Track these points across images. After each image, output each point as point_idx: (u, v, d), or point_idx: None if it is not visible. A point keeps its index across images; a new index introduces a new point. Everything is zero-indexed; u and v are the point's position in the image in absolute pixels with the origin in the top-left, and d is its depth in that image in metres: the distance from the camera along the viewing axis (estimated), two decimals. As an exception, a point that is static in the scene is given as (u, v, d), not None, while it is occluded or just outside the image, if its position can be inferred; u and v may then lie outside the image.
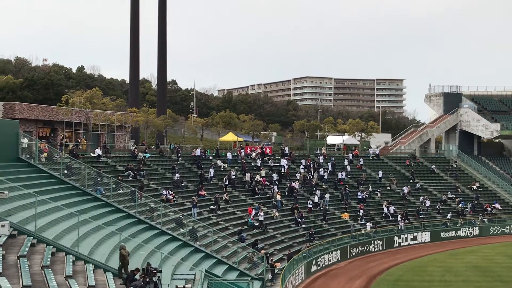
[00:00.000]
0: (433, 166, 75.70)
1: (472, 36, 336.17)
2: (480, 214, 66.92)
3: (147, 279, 22.62)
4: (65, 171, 37.63)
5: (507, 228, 66.01)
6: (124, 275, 24.28)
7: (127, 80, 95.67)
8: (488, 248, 56.56)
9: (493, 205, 69.80)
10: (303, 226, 51.45)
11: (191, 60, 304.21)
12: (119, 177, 41.76)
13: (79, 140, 51.74)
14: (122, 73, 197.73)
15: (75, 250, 25.08)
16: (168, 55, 79.06)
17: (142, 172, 46.39)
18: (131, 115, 61.72)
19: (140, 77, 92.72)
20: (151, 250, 30.41)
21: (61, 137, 49.93)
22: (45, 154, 38.82)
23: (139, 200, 38.46)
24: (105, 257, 26.05)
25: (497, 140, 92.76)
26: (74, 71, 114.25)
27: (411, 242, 57.82)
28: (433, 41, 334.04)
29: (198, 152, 56.24)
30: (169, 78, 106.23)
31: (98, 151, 46.37)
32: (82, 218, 28.13)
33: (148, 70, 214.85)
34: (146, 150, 52.02)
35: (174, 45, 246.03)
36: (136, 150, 50.65)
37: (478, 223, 65.22)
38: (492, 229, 65.18)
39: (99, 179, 38.49)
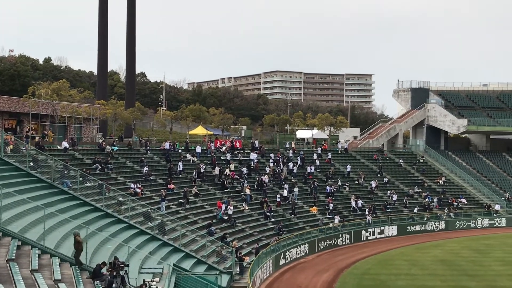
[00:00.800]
0: (401, 161, 76.45)
1: (439, 32, 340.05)
2: (446, 209, 67.79)
3: (114, 273, 22.43)
4: (31, 164, 37.10)
5: (472, 222, 67.02)
6: (79, 261, 24.12)
7: (95, 72, 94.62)
8: (454, 242, 57.33)
9: (459, 200, 70.76)
10: (272, 219, 51.55)
11: (161, 52, 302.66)
12: (85, 170, 41.29)
13: (46, 133, 51.10)
14: (90, 65, 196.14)
15: (41, 243, 24.77)
16: (137, 47, 78.56)
17: (109, 165, 45.98)
18: (99, 108, 61.14)
19: (109, 69, 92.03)
20: (119, 244, 30.15)
21: (27, 129, 49.23)
22: (11, 146, 38.20)
23: (106, 194, 38.11)
24: (71, 251, 25.71)
25: (463, 136, 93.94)
26: (41, 62, 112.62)
27: (378, 236, 58.31)
28: (402, 36, 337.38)
29: (167, 145, 55.96)
30: (138, 71, 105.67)
31: (65, 144, 45.83)
32: (49, 211, 27.81)
33: (117, 62, 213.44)
34: (114, 143, 51.56)
35: (143, 37, 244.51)
36: (103, 143, 50.18)
37: (444, 217, 66.08)
38: (458, 223, 66.09)
39: (66, 172, 38.03)
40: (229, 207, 47.68)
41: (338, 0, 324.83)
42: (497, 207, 70.92)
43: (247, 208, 51.17)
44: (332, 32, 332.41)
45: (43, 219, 26.19)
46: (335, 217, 56.72)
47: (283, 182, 59.17)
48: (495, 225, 68.10)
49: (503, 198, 74.07)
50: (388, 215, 61.79)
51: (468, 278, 40.64)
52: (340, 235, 53.92)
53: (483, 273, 42.60)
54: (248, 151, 63.00)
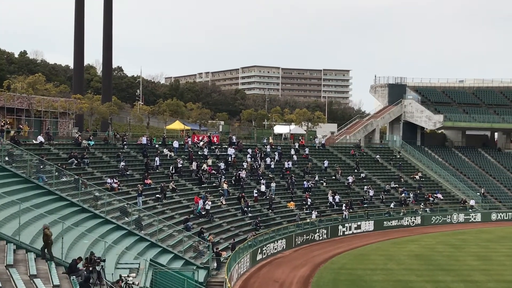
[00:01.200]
0: (377, 156, 76.90)
1: (416, 28, 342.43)
2: (422, 204, 68.40)
3: (91, 268, 22.29)
4: (6, 158, 36.69)
5: (448, 218, 67.69)
6: (47, 255, 23.91)
7: (71, 65, 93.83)
8: (429, 237, 57.84)
9: (435, 195, 71.40)
10: (249, 215, 51.59)
11: (138, 46, 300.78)
12: (61, 164, 40.92)
13: (21, 127, 50.49)
14: (66, 59, 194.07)
15: (16, 238, 24.54)
16: (114, 40, 77.94)
17: (86, 160, 45.63)
18: (75, 102, 60.61)
19: (85, 63, 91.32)
20: (95, 239, 29.97)
21: (2, 123, 48.61)
22: (-15, 140, 37.75)
23: (82, 188, 37.82)
24: (47, 246, 25.52)
25: (439, 131, 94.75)
26: (16, 55, 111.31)
27: (355, 231, 58.61)
28: (379, 32, 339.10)
29: (144, 140, 55.67)
30: (114, 65, 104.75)
31: (41, 138, 45.39)
32: (24, 206, 27.53)
33: (93, 56, 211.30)
34: (91, 138, 51.18)
35: (120, 30, 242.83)
36: (80, 138, 49.78)
37: (420, 212, 66.63)
38: (433, 219, 66.71)
39: (41, 166, 37.67)
40: (207, 202, 47.60)
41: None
42: (472, 202, 71.70)
43: (224, 203, 51.14)
44: (309, 27, 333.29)
45: (19, 214, 25.93)
46: (312, 212, 56.93)
47: (261, 177, 59.20)
48: (470, 220, 68.92)
49: (478, 194, 74.87)
50: (365, 210, 62.18)
51: (443, 273, 41.05)
52: (317, 230, 54.13)
53: (458, 267, 43.11)
54: (226, 146, 62.94)
